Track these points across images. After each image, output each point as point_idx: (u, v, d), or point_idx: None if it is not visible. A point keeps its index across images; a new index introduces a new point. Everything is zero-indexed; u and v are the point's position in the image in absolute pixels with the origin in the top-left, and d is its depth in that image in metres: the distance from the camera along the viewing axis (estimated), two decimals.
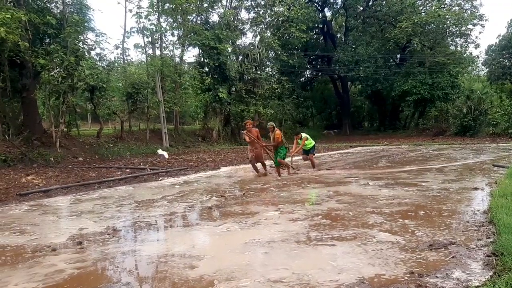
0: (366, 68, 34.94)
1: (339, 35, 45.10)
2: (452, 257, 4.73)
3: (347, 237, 5.69)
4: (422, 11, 35.78)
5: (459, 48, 37.13)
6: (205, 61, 28.84)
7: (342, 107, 43.71)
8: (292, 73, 37.69)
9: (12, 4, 17.90)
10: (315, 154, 14.69)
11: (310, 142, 13.78)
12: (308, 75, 47.02)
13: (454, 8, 35.37)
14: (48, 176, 13.73)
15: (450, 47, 36.72)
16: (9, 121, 19.36)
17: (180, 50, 29.91)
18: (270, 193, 9.65)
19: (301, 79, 44.55)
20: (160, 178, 13.04)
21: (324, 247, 5.31)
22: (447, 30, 35.43)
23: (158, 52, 27.70)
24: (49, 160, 17.60)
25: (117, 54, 26.97)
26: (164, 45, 28.39)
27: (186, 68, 30.97)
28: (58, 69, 20.01)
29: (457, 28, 34.96)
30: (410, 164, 14.78)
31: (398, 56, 39.11)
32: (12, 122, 19.64)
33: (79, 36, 20.82)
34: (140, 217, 7.47)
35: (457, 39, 37.07)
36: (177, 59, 29.52)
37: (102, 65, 23.99)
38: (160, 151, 20.22)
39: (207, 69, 29.10)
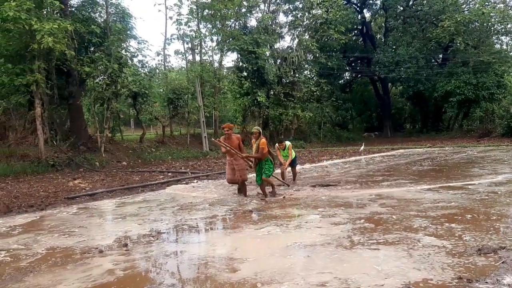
0: (407, 69, 34.29)
1: (378, 36, 44.44)
2: (502, 262, 4.56)
3: (391, 241, 5.58)
4: (465, 9, 34.80)
5: (504, 47, 36.00)
6: (244, 65, 29.02)
7: (382, 109, 42.98)
8: (331, 75, 37.39)
9: (58, 14, 18.64)
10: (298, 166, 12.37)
11: (293, 152, 11.93)
12: (348, 77, 46.58)
13: (498, 6, 34.15)
14: (94, 180, 14.17)
15: (495, 46, 35.53)
16: (56, 127, 20.10)
17: (219, 55, 30.26)
18: (311, 196, 9.59)
19: (340, 81, 44.16)
20: (196, 181, 13.19)
21: (368, 251, 5.23)
22: (492, 28, 34.29)
23: (197, 58, 28.13)
24: (94, 165, 18.17)
25: (158, 60, 27.78)
26: (203, 50, 28.79)
27: (225, 73, 31.27)
28: (102, 77, 20.72)
29: (502, 26, 33.78)
30: (454, 170, 14.34)
31: (441, 56, 38.16)
32: (59, 128, 20.39)
33: (122, 44, 21.46)
34: (183, 220, 7.59)
35: (503, 37, 35.97)
36: (216, 64, 29.86)
37: (144, 71, 24.61)
38: None
39: (245, 74, 29.27)
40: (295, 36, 34.33)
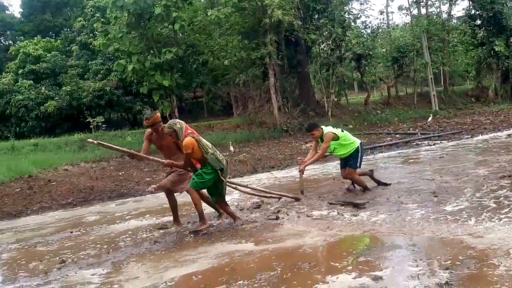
0: None
1: None
2: None
3: None
4: None
5: None
6: (477, 12, 26.06)
7: None
8: None
9: None
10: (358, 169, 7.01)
11: (345, 141, 6.81)
12: None
13: None
14: None
15: None
16: (287, 95, 21.66)
17: (447, 5, 27.78)
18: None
19: None
20: (432, 143, 12.57)
21: None
22: None
23: (423, 11, 26.49)
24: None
25: (381, 19, 26.91)
26: (430, 2, 26.88)
27: (454, 23, 28.62)
28: (326, 42, 21.34)
29: None
30: None
31: None
32: (290, 96, 21.91)
33: (345, 7, 21.63)
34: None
35: None
36: (444, 16, 27.59)
37: (367, 32, 24.40)
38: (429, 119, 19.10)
39: (479, 22, 26.27)
40: None
